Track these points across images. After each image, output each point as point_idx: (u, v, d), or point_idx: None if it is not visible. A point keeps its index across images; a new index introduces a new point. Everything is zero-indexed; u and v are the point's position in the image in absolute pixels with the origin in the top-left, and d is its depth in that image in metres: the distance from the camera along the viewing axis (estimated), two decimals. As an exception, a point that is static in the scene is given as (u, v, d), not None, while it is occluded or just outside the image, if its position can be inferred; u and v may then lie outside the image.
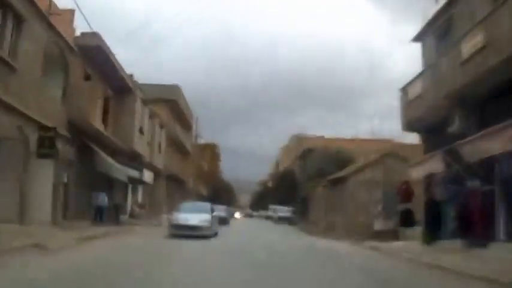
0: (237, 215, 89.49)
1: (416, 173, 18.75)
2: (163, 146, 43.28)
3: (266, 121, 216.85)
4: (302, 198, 46.57)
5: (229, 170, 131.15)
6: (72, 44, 23.14)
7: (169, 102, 50.18)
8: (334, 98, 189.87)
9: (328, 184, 30.21)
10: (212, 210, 24.37)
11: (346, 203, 26.98)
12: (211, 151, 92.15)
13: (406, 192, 20.89)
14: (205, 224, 22.23)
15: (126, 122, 30.56)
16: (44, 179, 21.00)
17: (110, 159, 25.18)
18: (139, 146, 32.39)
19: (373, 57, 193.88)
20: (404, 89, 19.58)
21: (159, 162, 41.47)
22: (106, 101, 29.01)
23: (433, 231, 19.14)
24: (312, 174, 42.52)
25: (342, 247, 21.97)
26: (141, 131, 32.97)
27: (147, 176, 33.20)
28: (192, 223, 21.85)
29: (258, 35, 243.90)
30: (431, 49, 20.07)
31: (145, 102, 33.35)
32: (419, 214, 20.72)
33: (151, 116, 37.29)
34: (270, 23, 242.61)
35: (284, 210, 50.91)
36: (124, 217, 31.14)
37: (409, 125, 19.95)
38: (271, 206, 67.46)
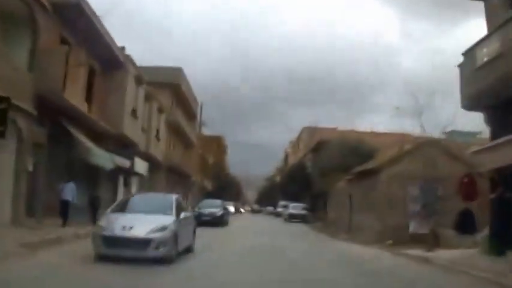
0: (242, 210, 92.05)
1: (488, 162, 14.03)
2: (162, 134, 38.69)
3: (276, 116, 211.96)
4: (317, 194, 41.68)
5: (237, 165, 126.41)
6: (45, 1, 18.56)
7: (171, 87, 45.59)
8: (344, 93, 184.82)
9: (354, 178, 25.46)
10: (179, 208, 13.38)
11: (377, 199, 22.26)
12: (217, 144, 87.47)
13: (468, 188, 16.14)
14: (161, 235, 11.55)
15: (114, 102, 25.99)
16: (1, 166, 16.49)
17: (90, 143, 20.56)
18: (131, 131, 27.80)
19: (384, 54, 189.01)
20: (469, 53, 14.80)
21: (158, 152, 36.89)
22: (91, 76, 24.44)
23: (503, 239, 14.47)
24: (327, 167, 37.77)
25: (379, 257, 17.42)
26: (134, 114, 28.37)
27: (140, 166, 28.63)
28: (132, 235, 11.40)
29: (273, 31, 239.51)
30: (500, 5, 15.27)
31: (140, 80, 28.70)
32: (481, 216, 16.06)
33: (148, 98, 32.68)
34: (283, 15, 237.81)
35: (297, 208, 46.25)
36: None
37: (473, 101, 15.21)
38: (281, 202, 62.74)
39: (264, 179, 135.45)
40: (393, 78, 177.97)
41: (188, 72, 52.88)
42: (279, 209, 59.91)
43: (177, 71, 46.56)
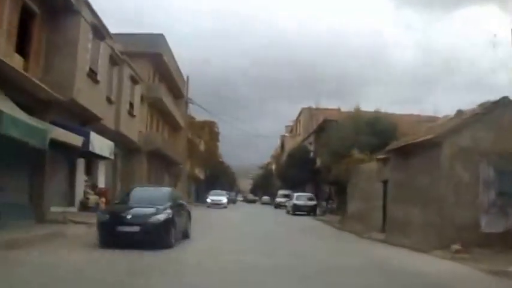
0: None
1: None
2: (139, 110, 31.75)
3: (270, 107, 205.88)
4: (324, 181, 34.67)
5: (231, 154, 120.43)
6: None
7: (150, 57, 38.72)
8: (336, 85, 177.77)
9: (393, 156, 18.61)
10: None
11: (434, 185, 15.53)
12: (209, 129, 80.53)
13: None
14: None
15: (63, 59, 19.06)
16: None
17: (12, 110, 13.64)
18: (89, 98, 20.90)
19: (378, 46, 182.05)
20: None
21: (132, 131, 30.04)
22: (28, 21, 17.54)
23: None
24: (338, 150, 31.07)
25: (463, 279, 10.83)
26: (92, 77, 21.47)
27: (102, 145, 21.70)
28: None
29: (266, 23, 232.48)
30: None
31: (99, 32, 21.67)
32: None
33: (116, 61, 25.78)
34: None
35: (303, 198, 39.35)
36: (67, 210, 19.90)
37: None
38: (281, 191, 55.97)
39: (258, 168, 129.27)
40: (386, 70, 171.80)
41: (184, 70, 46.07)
42: (278, 199, 53.19)
43: (158, 39, 39.60)
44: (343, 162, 26.55)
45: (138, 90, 31.27)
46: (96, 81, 22.09)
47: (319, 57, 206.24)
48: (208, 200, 47.56)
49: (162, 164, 45.46)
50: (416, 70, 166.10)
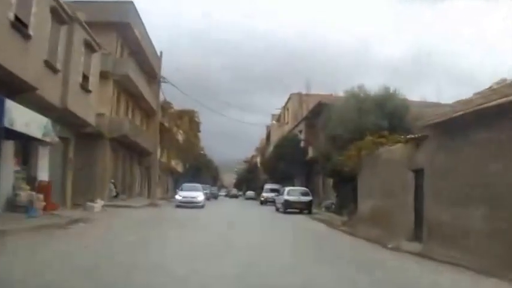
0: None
1: None
2: (97, 84, 25.92)
3: (252, 102, 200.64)
4: (328, 173, 28.77)
5: (214, 148, 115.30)
6: None
7: (117, 27, 32.97)
8: (324, 77, 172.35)
9: (433, 136, 12.96)
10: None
11: (502, 176, 10.10)
12: (189, 119, 74.67)
13: None
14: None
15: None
16: None
17: None
18: (12, 57, 15.20)
19: (363, 38, 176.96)
20: None
21: (86, 110, 24.26)
22: None
23: None
24: (336, 135, 25.67)
25: None
26: (19, 29, 15.77)
27: (24, 120, 15.80)
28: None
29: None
30: None
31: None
32: None
33: (62, 18, 19.97)
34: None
35: (296, 192, 32.90)
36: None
37: None
38: (268, 185, 50.31)
39: (243, 162, 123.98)
40: (373, 63, 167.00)
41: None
42: (265, 194, 47.49)
43: (127, 7, 33.72)
44: (349, 148, 21.10)
45: (97, 60, 25.46)
46: (27, 36, 16.38)
47: (305, 49, 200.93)
48: (178, 197, 34.78)
49: (132, 155, 39.77)
50: (403, 63, 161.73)
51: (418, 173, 14.14)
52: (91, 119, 25.33)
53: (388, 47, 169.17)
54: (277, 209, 33.58)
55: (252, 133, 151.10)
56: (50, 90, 19.56)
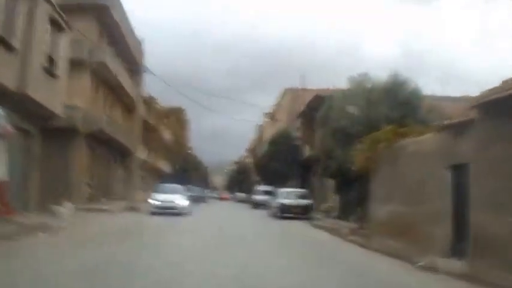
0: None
1: None
2: (65, 69, 22.45)
3: (242, 103, 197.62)
4: (330, 174, 24.93)
5: (204, 149, 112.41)
6: None
7: (94, 10, 29.63)
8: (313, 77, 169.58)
9: (485, 119, 9.63)
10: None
11: None
12: (176, 117, 71.43)
13: None
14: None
15: None
16: None
17: None
18: None
19: (356, 36, 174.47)
20: None
21: (53, 98, 20.85)
22: None
23: None
24: (339, 129, 22.48)
25: None
26: None
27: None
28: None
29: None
30: None
31: None
32: None
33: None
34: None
35: (293, 195, 29.26)
36: None
37: None
38: (259, 187, 46.89)
39: (234, 164, 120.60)
40: (363, 61, 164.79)
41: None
42: (257, 197, 44.13)
43: (105, -12, 30.34)
44: (359, 143, 17.91)
45: (66, 41, 22.04)
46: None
47: (295, 48, 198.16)
48: (153, 202, 26.98)
49: (112, 154, 36.33)
50: (396, 60, 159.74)
51: (460, 169, 10.91)
52: (58, 109, 21.85)
53: (380, 45, 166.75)
54: (272, 214, 30.13)
55: (243, 134, 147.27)
56: (2, 70, 16.27)
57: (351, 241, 15.48)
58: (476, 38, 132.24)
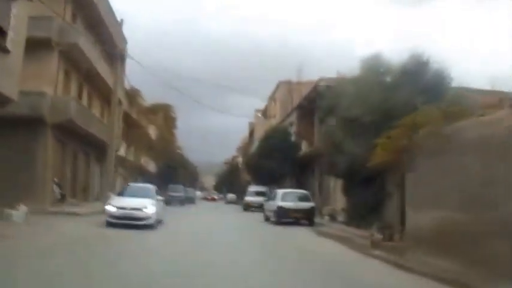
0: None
1: None
2: (21, 43, 18.55)
3: (231, 104, 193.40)
4: (343, 170, 20.48)
5: (193, 150, 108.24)
6: None
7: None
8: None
9: None
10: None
11: None
12: (164, 114, 67.35)
13: None
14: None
15: None
16: None
17: None
18: None
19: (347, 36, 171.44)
20: None
21: (5, 78, 17.01)
22: None
23: None
24: (351, 118, 18.82)
25: None
26: None
27: None
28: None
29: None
30: None
31: None
32: None
33: None
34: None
35: (293, 196, 24.63)
36: None
37: None
38: (252, 188, 43.04)
39: (224, 164, 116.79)
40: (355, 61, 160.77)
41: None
42: (249, 198, 40.48)
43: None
44: (379, 135, 14.30)
45: (21, 11, 18.14)
46: None
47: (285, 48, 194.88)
48: (110, 209, 18.74)
49: (88, 150, 32.46)
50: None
51: None
52: (12, 92, 18.04)
53: (373, 46, 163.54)
54: (267, 218, 26.21)
55: (234, 135, 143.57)
56: None
57: (377, 257, 11.80)
58: (467, 39, 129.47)
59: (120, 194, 20.85)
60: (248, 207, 39.29)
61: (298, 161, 36.63)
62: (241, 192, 80.00)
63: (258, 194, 39.82)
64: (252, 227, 23.51)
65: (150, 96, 54.97)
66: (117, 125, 37.19)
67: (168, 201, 47.65)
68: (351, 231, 17.17)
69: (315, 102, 31.95)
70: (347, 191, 20.81)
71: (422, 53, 19.01)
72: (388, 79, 19.25)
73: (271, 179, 39.88)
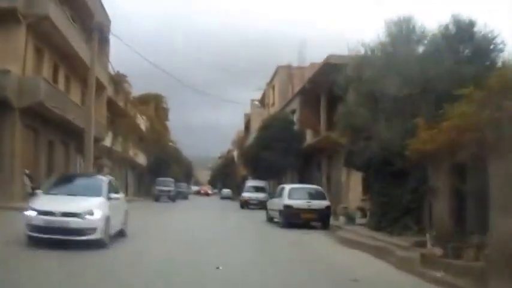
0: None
1: None
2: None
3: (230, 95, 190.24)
4: (368, 160, 16.33)
5: (187, 145, 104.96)
6: None
7: None
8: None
9: None
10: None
11: None
12: (155, 104, 63.67)
13: None
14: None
15: None
16: None
17: None
18: None
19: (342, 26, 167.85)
20: None
21: None
22: None
23: None
24: (370, 99, 15.27)
25: None
26: None
27: None
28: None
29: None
30: None
31: None
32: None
33: None
34: None
35: (304, 194, 20.08)
36: None
37: None
38: (250, 183, 39.30)
39: (218, 158, 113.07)
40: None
41: None
42: (247, 194, 36.74)
43: None
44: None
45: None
46: None
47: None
48: (29, 215, 10.83)
49: (66, 140, 28.72)
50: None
51: None
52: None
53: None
54: (271, 219, 21.99)
55: (229, 128, 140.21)
56: None
57: (443, 284, 8.22)
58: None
59: (50, 189, 12.66)
60: (246, 204, 35.60)
61: (302, 152, 33.07)
62: (236, 187, 76.49)
63: (257, 189, 36.20)
64: (252, 229, 19.36)
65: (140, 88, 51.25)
66: (101, 113, 33.60)
67: (156, 197, 43.77)
68: (381, 238, 13.60)
69: (321, 85, 28.41)
70: (371, 186, 17.13)
71: (463, 16, 15.51)
72: (423, 46, 15.74)
73: (271, 172, 36.24)
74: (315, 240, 16.00)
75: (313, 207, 19.07)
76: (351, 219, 19.10)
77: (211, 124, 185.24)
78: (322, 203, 19.35)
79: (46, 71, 24.82)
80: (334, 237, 15.86)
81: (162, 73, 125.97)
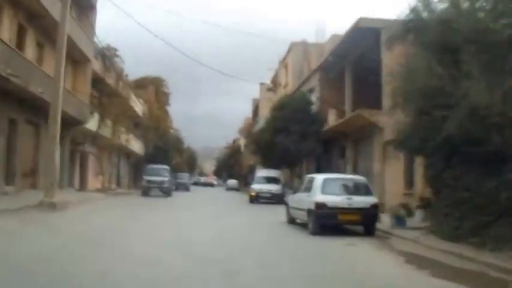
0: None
1: None
2: None
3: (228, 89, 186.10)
4: (446, 139, 11.44)
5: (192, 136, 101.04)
6: None
7: None
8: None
9: None
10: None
11: None
12: (155, 89, 58.38)
13: None
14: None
15: None
16: None
17: None
18: None
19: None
20: None
21: None
22: None
23: None
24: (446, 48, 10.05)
25: None
26: None
27: None
28: None
29: None
30: None
31: None
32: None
33: None
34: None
35: (343, 187, 13.74)
36: None
37: None
38: (260, 173, 33.72)
39: (224, 149, 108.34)
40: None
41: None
42: (257, 186, 31.09)
43: None
44: None
45: None
46: None
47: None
48: None
49: (35, 119, 23.55)
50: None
51: None
52: None
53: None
54: (292, 220, 16.31)
55: (236, 120, 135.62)
56: None
57: None
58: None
59: None
60: (256, 198, 30.10)
61: (323, 137, 27.93)
62: (243, 177, 71.68)
63: (270, 180, 30.83)
64: (276, 248, 11.54)
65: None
66: (84, 90, 28.58)
67: (144, 190, 34.57)
68: (472, 256, 8.53)
69: (346, 57, 23.56)
70: (438, 177, 11.84)
71: None
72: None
73: (285, 160, 30.99)
74: (365, 255, 10.42)
75: (355, 205, 13.15)
76: (400, 222, 13.90)
77: (216, 114, 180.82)
78: (367, 200, 13.40)
79: (4, 30, 19.62)
80: (394, 252, 10.29)
81: (169, 62, 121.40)
